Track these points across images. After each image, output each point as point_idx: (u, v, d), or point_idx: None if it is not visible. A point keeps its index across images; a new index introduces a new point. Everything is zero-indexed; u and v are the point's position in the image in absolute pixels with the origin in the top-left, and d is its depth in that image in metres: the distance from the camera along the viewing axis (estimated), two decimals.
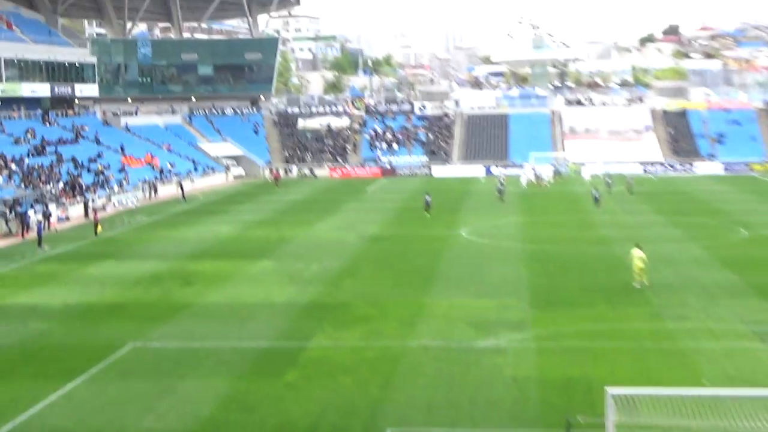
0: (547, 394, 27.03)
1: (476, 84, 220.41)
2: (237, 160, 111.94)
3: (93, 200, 77.41)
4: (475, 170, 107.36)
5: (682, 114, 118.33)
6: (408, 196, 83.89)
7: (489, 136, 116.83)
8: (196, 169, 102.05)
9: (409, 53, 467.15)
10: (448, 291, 41.36)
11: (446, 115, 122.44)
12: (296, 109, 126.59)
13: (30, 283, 45.73)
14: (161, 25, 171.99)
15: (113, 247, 57.08)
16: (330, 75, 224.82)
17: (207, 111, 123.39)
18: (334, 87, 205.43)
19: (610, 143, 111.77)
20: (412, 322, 35.46)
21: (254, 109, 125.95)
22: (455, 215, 68.90)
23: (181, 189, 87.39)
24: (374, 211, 72.56)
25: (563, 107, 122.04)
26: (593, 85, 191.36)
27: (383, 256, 51.68)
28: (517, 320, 35.47)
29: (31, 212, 66.56)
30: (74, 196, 77.16)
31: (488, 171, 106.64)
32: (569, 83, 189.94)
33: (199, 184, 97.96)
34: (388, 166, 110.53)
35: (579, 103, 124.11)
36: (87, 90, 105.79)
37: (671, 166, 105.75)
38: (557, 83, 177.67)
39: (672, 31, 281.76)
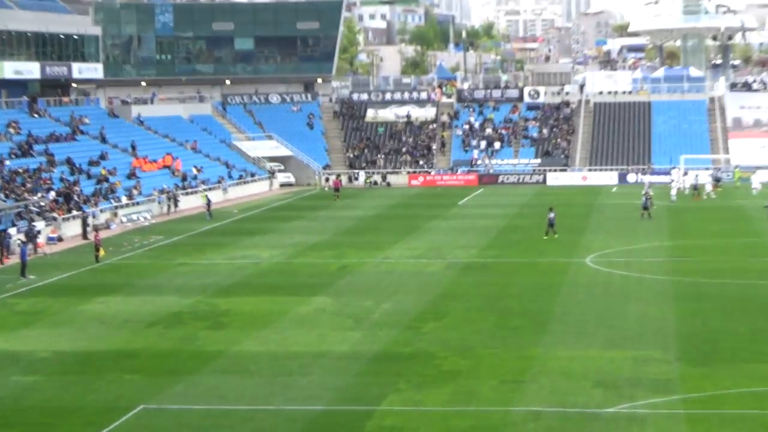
0: None
1: (608, 62, 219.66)
2: (285, 163, 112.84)
3: (94, 215, 78.53)
4: (605, 177, 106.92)
5: None
6: (514, 211, 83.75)
7: (624, 132, 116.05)
8: (230, 176, 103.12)
9: (516, 21, 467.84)
10: (567, 338, 41.09)
11: (566, 103, 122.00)
12: (365, 96, 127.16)
13: (10, 324, 46.35)
14: None
15: (120, 278, 57.78)
16: (410, 50, 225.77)
17: (246, 98, 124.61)
18: (415, 66, 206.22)
19: None
20: (518, 381, 35.29)
21: (308, 96, 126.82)
22: (578, 237, 68.54)
23: (208, 202, 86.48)
24: (468, 231, 72.56)
25: (726, 93, 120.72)
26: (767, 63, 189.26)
27: (479, 291, 51.52)
28: (660, 378, 35.11)
29: (12, 231, 67.66)
30: (69, 209, 78.24)
31: (623, 178, 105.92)
32: (734, 61, 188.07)
33: (233, 195, 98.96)
34: (488, 172, 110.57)
35: (748, 87, 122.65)
36: (88, 71, 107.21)
37: None
38: (718, 61, 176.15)
39: None
